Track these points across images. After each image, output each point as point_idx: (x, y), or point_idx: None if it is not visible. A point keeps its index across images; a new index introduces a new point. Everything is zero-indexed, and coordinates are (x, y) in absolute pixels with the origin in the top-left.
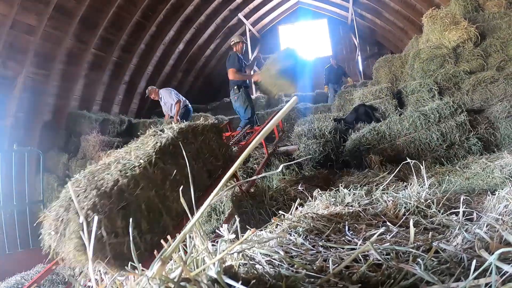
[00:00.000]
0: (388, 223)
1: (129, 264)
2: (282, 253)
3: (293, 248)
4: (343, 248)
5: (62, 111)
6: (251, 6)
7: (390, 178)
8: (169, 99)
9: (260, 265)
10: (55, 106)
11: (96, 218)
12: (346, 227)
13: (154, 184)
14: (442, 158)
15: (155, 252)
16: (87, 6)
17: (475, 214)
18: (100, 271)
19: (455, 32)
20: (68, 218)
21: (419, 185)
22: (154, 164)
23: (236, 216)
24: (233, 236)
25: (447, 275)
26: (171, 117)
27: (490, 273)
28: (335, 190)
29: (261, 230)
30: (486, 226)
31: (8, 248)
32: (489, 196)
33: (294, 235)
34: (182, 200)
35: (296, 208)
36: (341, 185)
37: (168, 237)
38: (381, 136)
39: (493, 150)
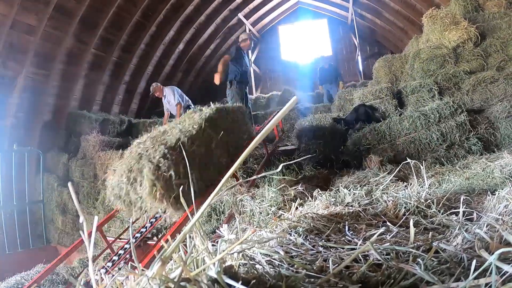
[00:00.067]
0: (388, 223)
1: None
2: (282, 253)
3: (293, 248)
4: (343, 248)
5: (62, 111)
6: (251, 6)
7: (390, 178)
8: (172, 98)
9: (260, 265)
10: (55, 106)
11: (167, 163)
12: (346, 227)
13: (203, 144)
14: (442, 158)
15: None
16: (87, 6)
17: (475, 214)
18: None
19: (455, 32)
20: (141, 165)
21: (419, 185)
22: (204, 129)
23: (236, 216)
24: (233, 236)
25: (447, 275)
26: (172, 116)
27: (490, 273)
28: (335, 190)
29: (261, 230)
30: (486, 226)
31: (8, 248)
32: (489, 196)
33: (294, 235)
34: (182, 200)
35: (296, 208)
36: (341, 185)
37: (169, 237)
38: (381, 136)
39: (493, 150)
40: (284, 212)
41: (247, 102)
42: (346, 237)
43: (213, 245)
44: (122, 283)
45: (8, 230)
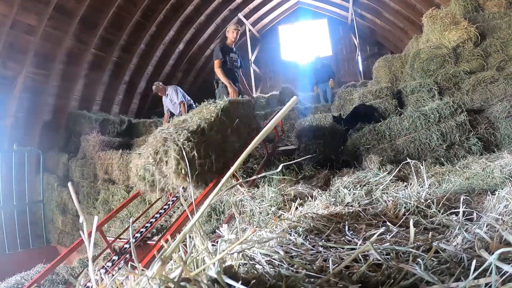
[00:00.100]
0: (388, 223)
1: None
2: (282, 253)
3: (293, 248)
4: (343, 248)
5: (62, 111)
6: (251, 6)
7: (390, 178)
8: (175, 97)
9: (260, 265)
10: (55, 106)
11: (190, 145)
12: (346, 227)
13: (220, 130)
14: (442, 158)
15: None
16: (87, 6)
17: (475, 214)
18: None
19: (455, 32)
20: (167, 147)
21: (419, 185)
22: (220, 118)
23: (236, 216)
24: (233, 236)
25: (447, 275)
26: (172, 115)
27: (490, 273)
28: (335, 190)
29: (261, 230)
30: (486, 226)
31: (8, 248)
32: (489, 196)
33: (294, 235)
34: (182, 200)
35: (296, 208)
36: (341, 185)
37: (169, 237)
38: (381, 136)
39: (493, 150)
40: (284, 212)
41: None
42: (346, 237)
43: (213, 245)
44: (122, 283)
45: (8, 230)
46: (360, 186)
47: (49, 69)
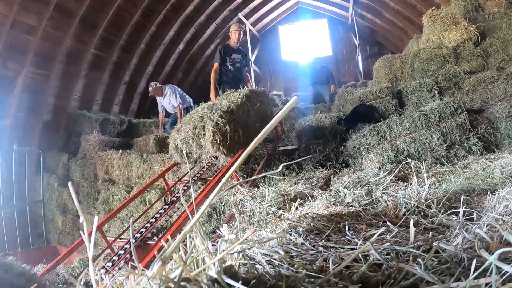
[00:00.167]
0: (388, 223)
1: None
2: (282, 253)
3: (293, 248)
4: (343, 248)
5: (62, 111)
6: (251, 6)
7: (390, 178)
8: (173, 99)
9: (260, 265)
10: (55, 106)
11: (223, 121)
12: (346, 227)
13: (244, 112)
14: (442, 158)
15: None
16: (87, 6)
17: (475, 214)
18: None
19: (455, 32)
20: (204, 123)
21: (419, 185)
22: (244, 102)
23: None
24: (233, 236)
25: (447, 275)
26: (168, 114)
27: (490, 273)
28: (335, 190)
29: (261, 230)
30: (486, 226)
31: (8, 248)
32: (489, 196)
33: (294, 235)
34: (182, 200)
35: (296, 208)
36: (341, 185)
37: (169, 237)
38: (381, 136)
39: (493, 150)
40: (284, 212)
41: None
42: (346, 237)
43: (213, 245)
44: (122, 283)
45: (8, 230)
46: (360, 186)
47: (49, 69)
